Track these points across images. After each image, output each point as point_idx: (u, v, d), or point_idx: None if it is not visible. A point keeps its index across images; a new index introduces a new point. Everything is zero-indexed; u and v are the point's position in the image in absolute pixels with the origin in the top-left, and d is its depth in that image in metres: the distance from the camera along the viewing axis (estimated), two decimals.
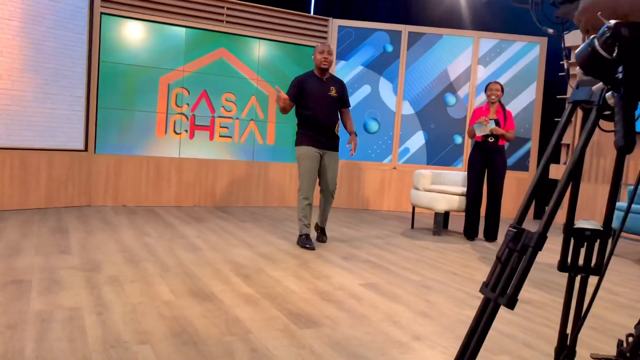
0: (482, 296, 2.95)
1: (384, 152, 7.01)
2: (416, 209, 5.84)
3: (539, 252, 1.05)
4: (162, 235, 4.33)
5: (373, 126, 6.99)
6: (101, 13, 5.66)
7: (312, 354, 2.08)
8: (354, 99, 6.91)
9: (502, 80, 6.97)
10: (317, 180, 4.32)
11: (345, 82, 6.79)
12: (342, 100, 4.38)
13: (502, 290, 1.05)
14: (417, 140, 7.03)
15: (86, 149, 5.65)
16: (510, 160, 6.92)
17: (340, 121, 4.44)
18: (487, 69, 7.04)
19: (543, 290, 3.32)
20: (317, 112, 4.23)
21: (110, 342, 2.08)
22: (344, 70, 6.91)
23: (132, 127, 5.92)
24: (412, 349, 2.20)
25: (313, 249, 4.13)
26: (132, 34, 5.87)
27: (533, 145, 7.09)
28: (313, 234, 4.56)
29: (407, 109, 6.99)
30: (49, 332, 2.15)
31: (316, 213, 4.53)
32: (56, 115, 5.37)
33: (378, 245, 4.47)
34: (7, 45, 4.96)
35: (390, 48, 6.95)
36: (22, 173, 5.14)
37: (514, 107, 7.01)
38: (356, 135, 4.34)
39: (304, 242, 4.18)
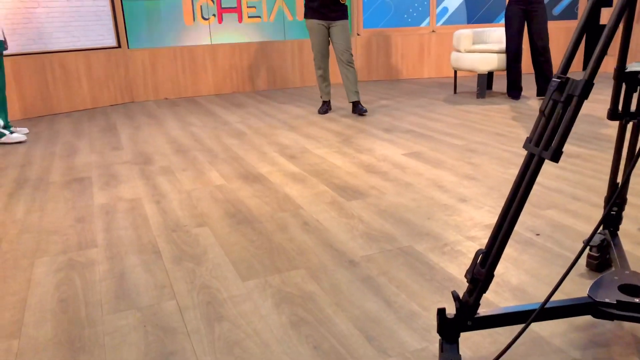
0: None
1: (421, 15, 6.65)
2: (458, 73, 5.65)
3: (585, 102, 1.02)
4: (206, 124, 4.42)
5: None
6: None
7: (360, 222, 2.17)
8: None
9: None
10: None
11: None
12: None
13: (546, 144, 1.03)
14: None
15: (119, 46, 5.63)
16: (556, 10, 6.45)
17: None
18: None
19: (592, 142, 3.25)
20: None
21: (171, 227, 2.23)
22: None
23: (159, 17, 5.80)
24: (458, 210, 2.26)
25: (319, 113, 4.63)
26: None
27: None
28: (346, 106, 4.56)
29: None
30: (115, 222, 2.32)
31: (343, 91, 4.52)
32: (83, 13, 5.29)
33: (420, 114, 4.42)
34: None
35: None
36: (63, 75, 5.23)
37: None
38: None
39: (320, 108, 4.68)
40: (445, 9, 6.61)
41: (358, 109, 4.51)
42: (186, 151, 3.53)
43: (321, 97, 4.68)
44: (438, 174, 2.76)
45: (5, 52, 4.72)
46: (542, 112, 1.07)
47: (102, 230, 2.24)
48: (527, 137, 1.09)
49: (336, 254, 1.90)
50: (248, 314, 1.55)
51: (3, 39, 4.02)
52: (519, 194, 1.08)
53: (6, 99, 4.10)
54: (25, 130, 4.32)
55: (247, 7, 6.16)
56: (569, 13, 6.59)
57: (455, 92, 5.44)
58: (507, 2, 4.83)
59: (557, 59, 6.49)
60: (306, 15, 4.45)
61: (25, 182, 2.98)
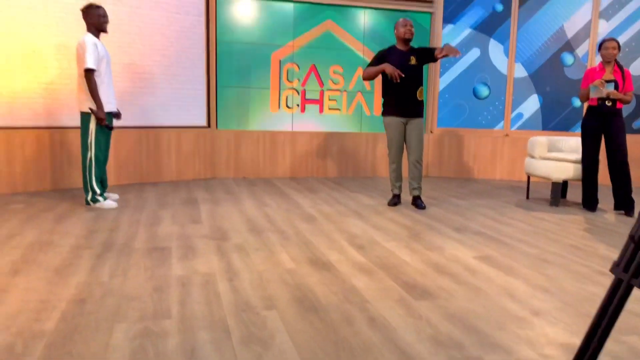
0: (607, 272, 2.85)
1: (496, 118, 6.76)
2: (531, 178, 5.61)
3: None
4: (280, 206, 4.59)
5: (483, 91, 6.75)
6: None
7: (429, 325, 2.16)
8: (461, 64, 6.70)
9: (627, 36, 6.36)
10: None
11: (453, 45, 6.63)
12: (425, 55, 4.58)
13: (635, 271, 1.04)
14: (531, 105, 6.69)
15: (209, 125, 6.08)
16: (636, 123, 6.37)
17: (422, 86, 4.63)
18: (610, 23, 6.45)
19: None
20: (397, 84, 4.49)
21: (242, 307, 2.31)
22: (451, 34, 6.70)
23: (248, 103, 6.26)
24: (531, 324, 2.20)
25: (389, 205, 4.71)
26: (245, 13, 6.13)
27: None
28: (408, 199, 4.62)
29: (520, 72, 6.65)
30: (189, 295, 2.42)
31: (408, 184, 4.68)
32: (181, 95, 5.82)
33: (491, 217, 4.39)
34: (138, 33, 5.42)
35: (500, 7, 6.61)
36: (155, 149, 5.68)
37: (637, 66, 6.40)
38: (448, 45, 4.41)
39: (390, 200, 4.77)
40: (520, 115, 6.70)
41: (417, 204, 4.63)
42: (260, 231, 3.67)
43: (392, 189, 4.78)
44: (510, 282, 2.72)
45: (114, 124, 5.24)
46: (632, 237, 1.08)
47: (177, 302, 2.35)
48: (615, 261, 1.11)
49: (402, 356, 1.89)
50: None
51: (116, 111, 4.47)
52: (604, 320, 1.08)
53: (106, 168, 4.49)
54: (116, 196, 4.66)
55: (329, 99, 6.53)
56: None
57: (527, 197, 5.39)
58: (584, 113, 4.85)
59: (636, 173, 6.31)
60: (385, 113, 4.67)
61: (111, 246, 3.20)
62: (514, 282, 2.72)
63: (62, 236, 3.39)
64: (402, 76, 4.41)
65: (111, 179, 5.32)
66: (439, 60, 6.65)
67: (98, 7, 4.26)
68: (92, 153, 4.24)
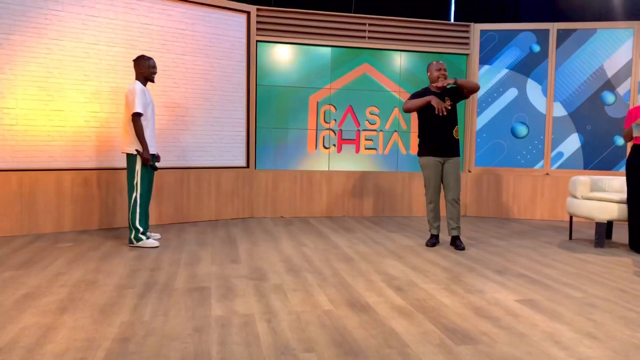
0: None
1: (535, 158, 6.67)
2: (574, 219, 5.47)
3: None
4: (317, 246, 4.61)
5: (522, 130, 6.69)
6: (257, 41, 6.20)
7: None
8: (499, 103, 6.69)
9: None
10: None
11: (490, 86, 6.69)
12: (455, 94, 4.61)
13: None
14: (572, 144, 6.58)
15: (248, 166, 6.22)
16: None
17: (458, 125, 4.68)
18: None
19: None
20: (434, 124, 4.56)
21: (281, 349, 2.31)
22: (488, 75, 6.73)
23: (286, 144, 6.39)
24: None
25: (427, 245, 4.68)
26: (284, 57, 6.33)
27: None
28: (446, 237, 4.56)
29: (559, 111, 6.58)
30: (229, 337, 2.44)
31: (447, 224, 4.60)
32: (222, 137, 6.00)
33: (533, 258, 4.29)
34: (182, 78, 5.66)
35: (537, 48, 6.61)
36: (196, 189, 5.83)
37: None
38: (454, 80, 4.48)
39: (428, 241, 4.73)
40: (561, 154, 6.59)
41: (456, 244, 4.57)
42: (298, 271, 3.69)
43: (430, 230, 4.74)
44: (555, 328, 2.63)
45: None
46: None
47: (217, 343, 2.37)
48: None
49: None
50: None
51: (157, 154, 4.65)
52: None
53: (148, 208, 4.64)
54: (158, 235, 4.78)
55: (365, 139, 6.60)
56: None
57: (570, 238, 5.24)
58: (628, 152, 4.74)
59: None
60: (421, 153, 4.68)
61: (153, 285, 3.26)
62: (559, 327, 2.64)
63: (107, 275, 3.48)
64: (448, 109, 4.47)
65: (153, 219, 5.46)
66: (475, 99, 6.68)
67: (149, 58, 4.51)
68: (137, 193, 4.39)
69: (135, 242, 4.40)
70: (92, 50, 5.07)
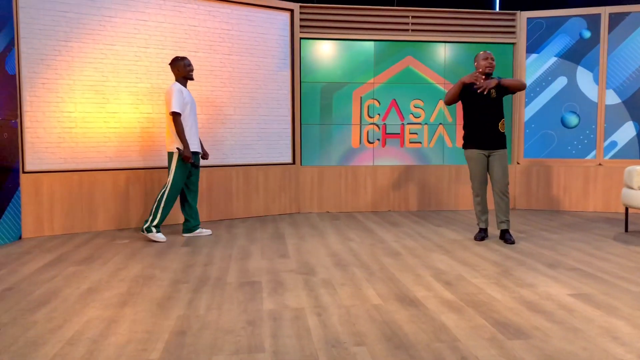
0: None
1: (587, 148, 6.46)
2: (630, 210, 5.28)
3: None
4: (364, 240, 4.64)
5: (572, 120, 6.49)
6: (300, 38, 6.26)
7: None
8: (548, 93, 6.51)
9: None
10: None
11: (537, 75, 6.53)
12: (502, 88, 4.47)
13: None
14: (626, 132, 6.33)
15: (294, 162, 6.31)
16: None
17: (504, 119, 4.57)
18: None
19: None
20: (479, 116, 4.50)
21: (331, 342, 2.35)
22: (535, 64, 6.55)
23: (331, 140, 6.43)
24: None
25: (475, 239, 4.61)
26: (327, 53, 6.37)
27: None
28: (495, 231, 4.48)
29: (612, 99, 6.34)
30: (281, 330, 2.51)
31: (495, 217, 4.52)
32: (268, 134, 6.10)
33: (586, 251, 4.17)
34: (229, 77, 5.79)
35: (587, 34, 6.39)
36: (245, 186, 5.96)
37: None
38: (498, 79, 4.42)
39: (476, 235, 4.67)
40: (614, 143, 6.36)
41: (505, 238, 4.50)
42: (345, 265, 3.73)
43: (478, 223, 4.69)
44: (612, 323, 2.57)
45: (201, 164, 5.56)
46: None
47: (270, 335, 2.44)
48: None
49: None
50: None
51: (200, 151, 4.79)
52: None
53: (196, 204, 4.79)
54: (209, 231, 4.93)
55: (410, 133, 6.56)
56: None
57: (626, 230, 5.06)
58: None
59: None
60: (466, 146, 4.63)
61: (206, 280, 3.38)
62: (616, 322, 2.58)
63: (162, 270, 3.62)
64: (482, 78, 4.37)
65: (203, 215, 5.62)
66: (523, 91, 6.53)
67: (183, 58, 4.66)
68: (167, 189, 4.57)
69: (145, 232, 4.58)
70: (142, 54, 5.25)
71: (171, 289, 3.18)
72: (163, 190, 4.59)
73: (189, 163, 4.58)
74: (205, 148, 5.56)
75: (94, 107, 5.05)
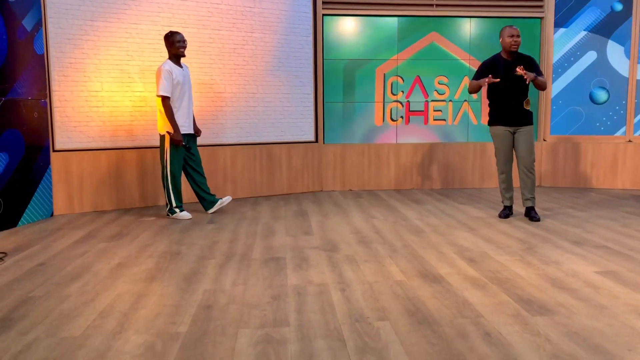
0: None
1: (616, 124, 6.31)
2: None
3: None
4: (387, 218, 4.64)
5: (601, 96, 6.33)
6: (323, 15, 6.20)
7: (548, 342, 2.10)
8: (576, 68, 6.36)
9: None
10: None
11: (566, 50, 6.34)
12: (529, 69, 4.41)
13: None
14: None
15: (316, 140, 6.31)
16: None
17: (528, 98, 4.51)
18: None
19: None
20: (504, 92, 4.44)
21: (355, 317, 2.39)
22: (564, 39, 6.38)
23: (353, 118, 6.41)
24: None
25: (500, 217, 4.58)
26: (350, 30, 6.30)
27: None
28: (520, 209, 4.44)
29: None
30: (305, 304, 2.55)
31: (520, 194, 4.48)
32: (291, 112, 6.10)
33: (614, 229, 4.11)
34: (252, 55, 5.78)
35: (619, 7, 6.18)
36: (269, 164, 6.00)
37: None
38: (537, 75, 4.38)
39: (501, 212, 4.64)
40: None
41: (531, 215, 4.47)
42: (368, 242, 3.75)
43: (502, 201, 4.65)
44: (639, 300, 2.55)
45: (223, 142, 5.59)
46: None
47: (294, 310, 2.48)
48: None
49: None
50: None
51: (192, 132, 4.73)
52: None
53: (205, 181, 4.84)
54: (229, 198, 4.99)
55: (434, 110, 6.49)
56: None
57: None
58: None
59: None
60: (491, 122, 4.59)
61: (232, 256, 3.44)
62: None
63: (189, 247, 3.70)
64: (495, 81, 4.33)
65: (227, 193, 5.69)
66: (550, 65, 6.38)
67: (175, 33, 4.59)
68: (167, 170, 4.61)
69: (170, 215, 4.67)
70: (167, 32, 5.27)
71: (197, 264, 3.25)
72: (164, 173, 4.62)
73: (178, 145, 4.56)
74: (229, 127, 5.60)
75: (120, 87, 5.12)
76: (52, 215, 4.85)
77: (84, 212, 5.03)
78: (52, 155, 4.82)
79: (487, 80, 4.33)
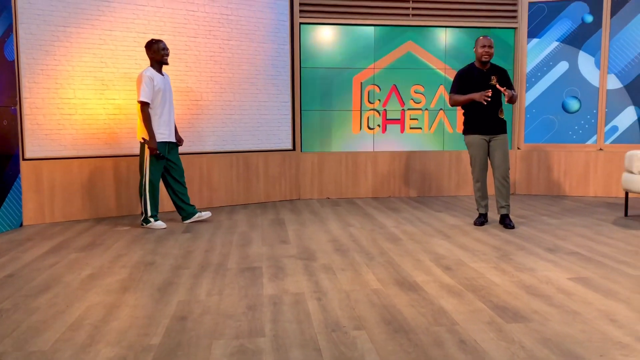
0: None
1: (587, 133, 6.44)
2: (630, 195, 5.28)
3: None
4: (364, 226, 4.65)
5: (573, 105, 6.47)
6: (300, 23, 6.21)
7: (522, 349, 2.11)
8: (549, 78, 6.48)
9: None
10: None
11: (539, 60, 6.46)
12: (503, 81, 4.52)
13: None
14: (627, 117, 6.31)
15: (294, 149, 6.30)
16: None
17: (503, 106, 4.58)
18: None
19: None
20: (478, 103, 4.44)
21: (331, 326, 2.37)
22: (537, 49, 6.51)
23: (331, 126, 6.42)
24: (636, 351, 2.09)
25: (475, 224, 4.62)
26: (327, 39, 6.33)
27: None
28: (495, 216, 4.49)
29: (614, 83, 6.31)
30: (281, 314, 2.52)
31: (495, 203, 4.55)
32: (268, 120, 6.09)
33: (586, 236, 4.18)
34: (229, 63, 5.76)
35: (590, 18, 6.33)
36: (245, 172, 5.96)
37: None
38: (513, 92, 4.48)
39: (476, 220, 4.67)
40: (615, 128, 6.34)
41: (505, 223, 4.52)
42: (345, 251, 3.74)
43: (478, 208, 4.70)
44: (611, 306, 2.59)
45: (200, 150, 5.54)
46: None
47: (270, 320, 2.45)
48: None
49: None
50: None
51: (173, 140, 4.66)
52: None
53: (185, 191, 4.78)
54: (209, 213, 4.91)
55: (410, 119, 6.55)
56: None
57: (626, 214, 5.07)
58: None
59: None
60: (466, 131, 4.64)
61: (208, 266, 3.39)
62: (615, 305, 2.59)
63: (163, 256, 3.64)
64: (489, 99, 4.36)
65: (204, 202, 5.63)
66: (523, 75, 6.50)
67: (158, 41, 4.56)
68: (146, 178, 4.54)
69: (144, 223, 4.60)
70: (142, 39, 5.20)
71: (172, 274, 3.20)
72: (142, 181, 4.55)
73: (154, 155, 4.48)
74: (205, 135, 5.56)
75: (94, 94, 5.04)
76: (21, 225, 4.73)
77: (55, 222, 4.92)
78: (22, 163, 4.71)
79: (485, 97, 4.33)
